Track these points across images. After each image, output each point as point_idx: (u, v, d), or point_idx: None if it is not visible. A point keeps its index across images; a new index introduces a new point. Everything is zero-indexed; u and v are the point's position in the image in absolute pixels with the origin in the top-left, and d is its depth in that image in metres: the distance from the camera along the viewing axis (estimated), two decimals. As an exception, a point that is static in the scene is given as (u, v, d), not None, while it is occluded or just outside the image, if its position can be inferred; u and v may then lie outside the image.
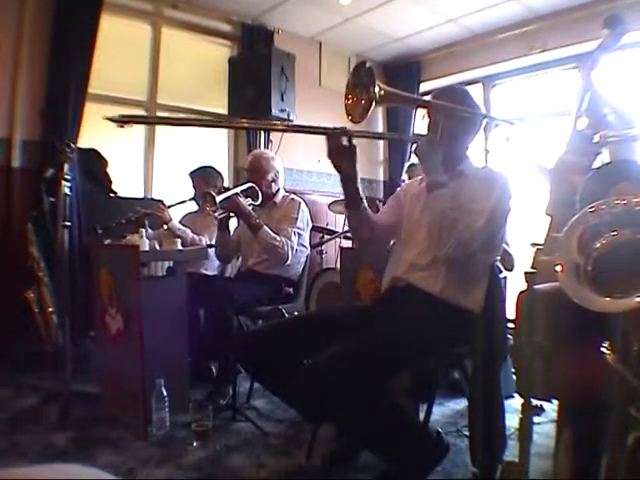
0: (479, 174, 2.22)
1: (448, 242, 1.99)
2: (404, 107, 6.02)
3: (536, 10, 4.97)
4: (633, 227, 1.40)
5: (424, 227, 2.16)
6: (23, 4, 4.06)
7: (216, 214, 3.19)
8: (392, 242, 2.46)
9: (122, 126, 1.82)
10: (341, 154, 2.07)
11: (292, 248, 3.26)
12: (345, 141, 2.05)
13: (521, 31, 5.20)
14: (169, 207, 3.84)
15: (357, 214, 2.25)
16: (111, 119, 1.79)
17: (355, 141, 2.09)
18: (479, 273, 2.12)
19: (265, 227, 3.21)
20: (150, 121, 4.28)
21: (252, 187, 3.37)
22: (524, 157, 3.17)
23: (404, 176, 5.74)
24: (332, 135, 2.06)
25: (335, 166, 2.10)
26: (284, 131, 4.40)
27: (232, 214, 3.28)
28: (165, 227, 3.74)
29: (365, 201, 2.23)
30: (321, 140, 2.08)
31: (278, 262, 3.29)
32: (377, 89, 1.96)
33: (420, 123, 2.33)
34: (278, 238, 3.21)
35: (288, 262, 3.29)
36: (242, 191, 3.30)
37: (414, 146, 2.17)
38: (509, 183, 2.14)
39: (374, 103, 1.96)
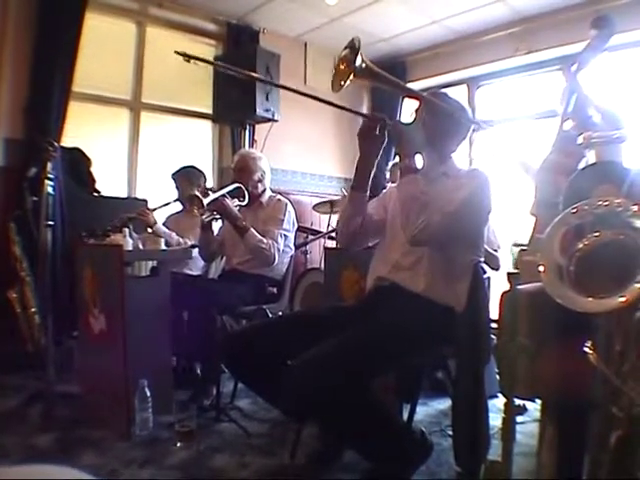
0: (461, 174, 2.25)
1: (416, 224, 2.00)
2: (391, 93, 6.03)
3: (521, 12, 5.00)
4: (615, 228, 1.41)
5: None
6: (6, 0, 4.01)
7: (204, 217, 3.19)
8: (371, 243, 2.46)
9: (188, 60, 1.89)
10: (370, 138, 2.16)
11: (278, 250, 3.27)
12: (378, 129, 2.14)
13: (506, 33, 5.23)
14: (153, 210, 3.81)
15: (360, 197, 2.28)
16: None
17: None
18: (461, 271, 2.13)
19: (252, 230, 3.20)
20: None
21: (239, 187, 3.36)
22: (509, 158, 3.18)
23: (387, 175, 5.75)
24: (370, 119, 2.19)
25: (360, 146, 2.21)
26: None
27: (219, 216, 3.28)
28: (150, 230, 3.72)
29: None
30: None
31: (264, 264, 3.29)
32: (359, 61, 2.01)
33: (407, 119, 2.34)
34: (265, 240, 3.21)
35: (275, 264, 3.29)
36: (229, 192, 3.29)
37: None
38: (489, 181, 2.16)
39: (353, 74, 2.02)
